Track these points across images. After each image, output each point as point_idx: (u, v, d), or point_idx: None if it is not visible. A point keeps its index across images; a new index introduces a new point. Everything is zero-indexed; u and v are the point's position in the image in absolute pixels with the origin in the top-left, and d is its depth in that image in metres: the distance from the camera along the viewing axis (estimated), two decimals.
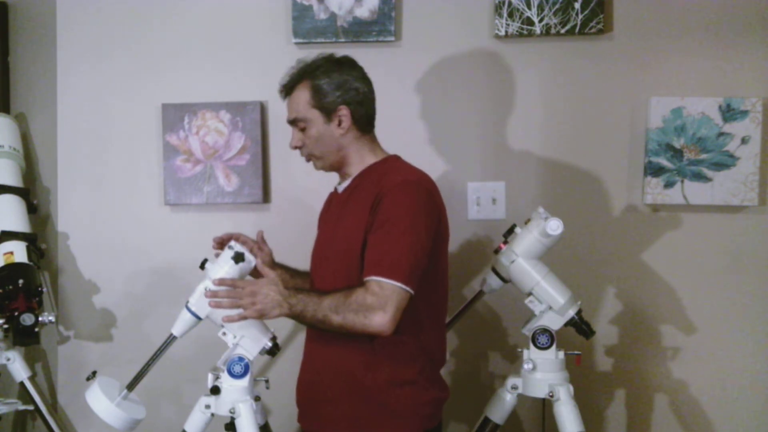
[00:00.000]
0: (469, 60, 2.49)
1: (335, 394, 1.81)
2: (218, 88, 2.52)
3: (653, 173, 2.42)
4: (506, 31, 2.43)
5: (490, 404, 2.16)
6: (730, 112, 2.39)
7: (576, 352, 2.08)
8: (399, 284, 1.67)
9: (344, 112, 1.82)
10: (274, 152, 2.53)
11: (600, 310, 2.46)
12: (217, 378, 1.85)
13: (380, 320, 1.66)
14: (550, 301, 2.06)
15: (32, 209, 2.42)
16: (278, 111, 2.51)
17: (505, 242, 2.11)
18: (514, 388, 2.10)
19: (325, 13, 2.46)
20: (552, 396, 2.00)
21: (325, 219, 2.00)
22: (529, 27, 2.42)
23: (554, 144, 2.48)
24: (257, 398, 1.87)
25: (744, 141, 2.40)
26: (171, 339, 1.85)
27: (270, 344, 1.86)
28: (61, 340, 2.59)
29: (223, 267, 1.82)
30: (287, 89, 1.88)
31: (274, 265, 2.01)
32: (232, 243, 1.85)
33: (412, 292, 1.70)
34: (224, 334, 1.84)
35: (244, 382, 1.84)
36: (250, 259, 1.84)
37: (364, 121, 1.86)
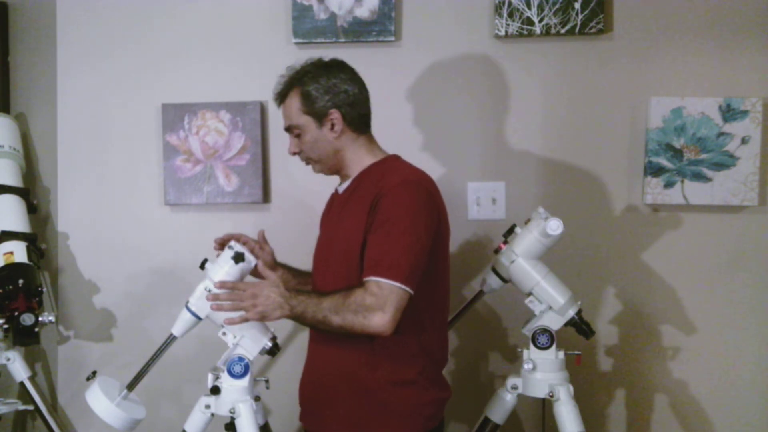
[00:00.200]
0: (469, 60, 2.49)
1: (337, 394, 1.81)
2: (218, 88, 2.52)
3: (653, 173, 2.42)
4: (506, 31, 2.43)
5: (490, 404, 2.16)
6: (730, 112, 2.39)
7: (576, 352, 2.08)
8: (398, 284, 1.67)
9: (335, 115, 1.82)
10: (274, 152, 2.53)
11: (600, 310, 2.46)
12: (217, 378, 1.85)
13: (379, 320, 1.66)
14: (550, 301, 2.06)
15: (32, 209, 2.42)
16: (278, 111, 2.48)
17: (505, 242, 2.11)
18: (514, 388, 2.10)
19: (325, 13, 2.46)
20: (552, 396, 2.00)
21: (326, 220, 2.00)
22: (529, 27, 2.42)
23: (554, 144, 2.48)
24: (257, 398, 1.87)
25: (744, 141, 2.40)
26: (171, 339, 1.85)
27: (270, 344, 1.86)
28: (61, 340, 2.59)
29: (223, 267, 1.82)
30: (280, 97, 1.89)
31: (275, 265, 2.02)
32: (232, 243, 1.85)
33: (411, 292, 1.70)
34: (224, 334, 1.84)
35: (244, 382, 1.84)
36: (250, 259, 1.84)
37: (358, 123, 1.86)
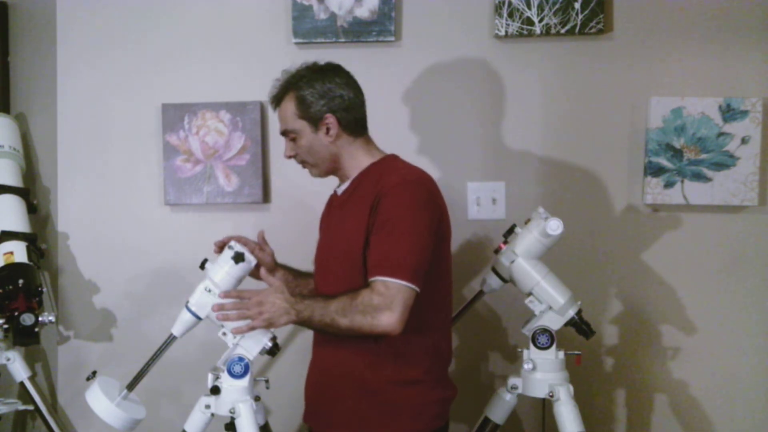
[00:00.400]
0: (469, 60, 2.48)
1: (342, 394, 1.81)
2: (218, 88, 2.52)
3: (653, 173, 2.42)
4: (506, 31, 2.43)
5: (490, 404, 2.16)
6: (730, 112, 2.39)
7: (576, 352, 2.08)
8: (404, 283, 1.67)
9: (330, 120, 1.82)
10: (274, 152, 2.53)
11: (600, 310, 2.46)
12: (217, 378, 1.85)
13: (388, 320, 1.66)
14: (550, 301, 2.06)
15: (32, 209, 2.42)
16: None
17: (505, 242, 2.11)
18: (514, 388, 2.10)
19: (325, 13, 2.46)
20: (552, 396, 2.00)
21: (326, 222, 2.00)
22: (529, 27, 2.42)
23: (554, 144, 2.48)
24: (257, 398, 1.87)
25: (744, 141, 2.40)
26: (171, 339, 1.85)
27: (270, 344, 1.86)
28: (61, 340, 2.59)
29: (223, 267, 1.82)
30: (275, 101, 1.90)
31: (276, 265, 2.02)
32: (232, 243, 1.85)
33: (417, 290, 1.70)
34: (224, 334, 1.83)
35: (244, 382, 1.84)
36: (250, 260, 1.84)
37: (354, 126, 1.86)
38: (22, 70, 2.59)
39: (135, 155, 2.56)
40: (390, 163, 1.89)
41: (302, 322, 1.72)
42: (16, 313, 2.14)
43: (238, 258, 1.81)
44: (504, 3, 2.42)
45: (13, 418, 2.58)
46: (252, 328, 1.73)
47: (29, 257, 2.25)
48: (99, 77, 2.56)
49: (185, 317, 1.83)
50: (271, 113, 2.49)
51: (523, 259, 2.07)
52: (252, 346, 1.84)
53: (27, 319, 2.14)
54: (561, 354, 2.05)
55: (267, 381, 1.94)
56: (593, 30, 2.41)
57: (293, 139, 1.88)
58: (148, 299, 2.55)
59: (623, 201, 2.48)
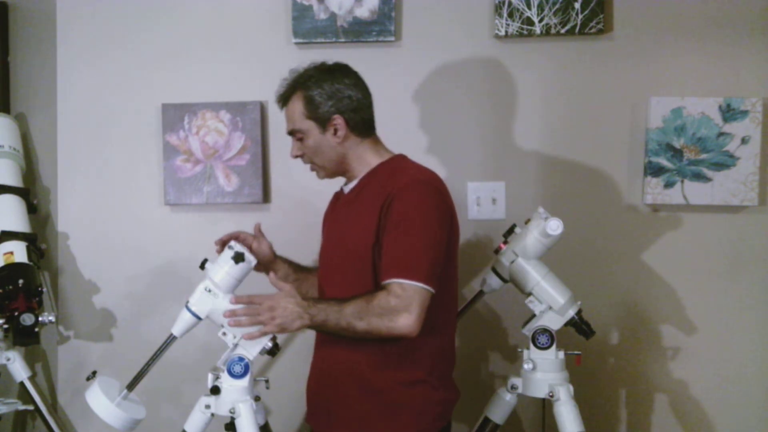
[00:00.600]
0: (469, 60, 2.48)
1: (346, 395, 1.80)
2: (218, 88, 2.52)
3: (653, 173, 2.42)
4: (506, 31, 2.43)
5: (490, 404, 2.16)
6: (730, 112, 2.39)
7: (576, 352, 2.08)
8: (421, 284, 1.67)
9: (338, 121, 1.81)
10: (274, 152, 2.53)
11: (600, 310, 2.45)
12: (217, 378, 1.85)
13: (405, 322, 1.66)
14: (550, 301, 2.06)
15: (32, 209, 2.42)
16: (278, 111, 2.48)
17: (505, 242, 2.11)
18: (514, 388, 2.10)
19: (325, 13, 2.46)
20: (552, 396, 1.99)
21: (331, 219, 1.99)
22: (529, 27, 2.42)
23: (554, 144, 2.48)
24: (257, 398, 1.87)
25: (744, 141, 2.40)
26: (171, 339, 1.85)
27: (270, 344, 1.85)
28: (61, 340, 2.59)
29: (223, 267, 1.82)
30: (282, 100, 1.89)
31: (276, 257, 2.01)
32: (232, 243, 1.85)
33: (433, 291, 1.70)
34: (224, 334, 1.83)
35: (244, 382, 1.84)
36: (251, 260, 1.84)
37: (362, 127, 1.86)
38: (22, 70, 2.58)
39: (135, 155, 2.56)
40: (399, 162, 1.88)
41: (316, 327, 1.71)
42: (16, 313, 2.14)
43: (238, 258, 1.81)
44: (504, 3, 2.42)
45: (13, 418, 2.59)
46: (264, 334, 1.72)
47: (29, 257, 2.25)
48: (99, 77, 2.56)
49: (185, 317, 1.83)
50: (271, 113, 2.51)
51: (523, 259, 2.07)
52: (252, 346, 1.84)
53: (27, 319, 2.14)
54: (561, 354, 2.05)
55: (267, 381, 1.94)
56: (593, 30, 2.41)
57: (300, 139, 1.87)
58: (148, 299, 2.55)
59: (623, 201, 2.48)
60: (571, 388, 2.01)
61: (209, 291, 1.81)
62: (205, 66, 2.53)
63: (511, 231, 2.11)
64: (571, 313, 2.07)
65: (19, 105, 2.59)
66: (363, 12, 2.45)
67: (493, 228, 2.44)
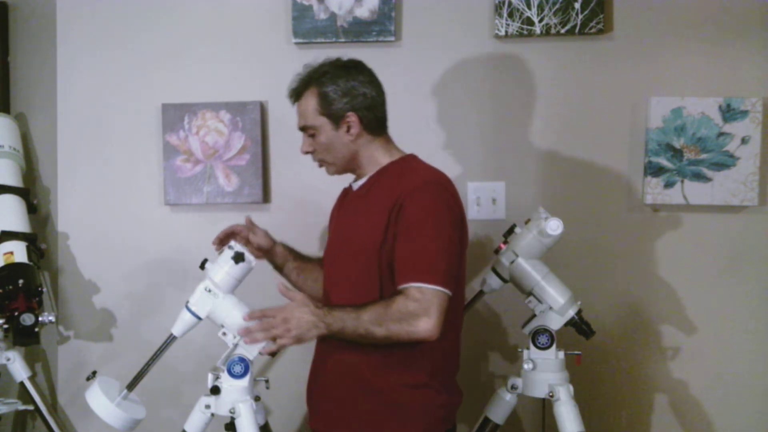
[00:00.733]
0: (469, 60, 2.48)
1: (348, 396, 1.79)
2: (218, 88, 2.52)
3: (653, 173, 2.42)
4: (506, 31, 2.43)
5: (490, 404, 2.16)
6: (730, 112, 2.39)
7: (576, 352, 2.08)
8: (439, 288, 1.67)
9: (352, 118, 1.80)
10: (274, 152, 2.53)
11: (600, 310, 2.45)
12: (217, 378, 1.85)
13: (426, 326, 1.65)
14: (550, 301, 2.06)
15: (32, 209, 2.42)
16: (278, 111, 2.51)
17: (505, 242, 2.11)
18: (514, 388, 2.10)
19: (325, 13, 2.46)
20: (552, 396, 2.00)
21: (338, 216, 1.97)
22: (529, 27, 2.42)
23: (554, 144, 2.48)
24: (257, 398, 1.87)
25: (744, 141, 2.40)
26: (171, 339, 1.85)
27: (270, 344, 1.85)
28: (61, 340, 2.59)
29: (223, 267, 1.82)
30: (295, 95, 1.86)
31: (274, 243, 2.00)
32: (232, 243, 1.85)
33: (450, 293, 1.69)
34: (224, 334, 1.83)
35: (244, 382, 1.83)
36: (251, 259, 1.84)
37: (375, 125, 1.84)
38: (22, 70, 2.59)
39: (135, 155, 2.56)
40: (409, 163, 1.87)
41: (333, 335, 1.69)
42: (16, 313, 2.14)
43: (238, 258, 1.81)
44: (504, 3, 2.42)
45: (13, 418, 2.59)
46: (282, 347, 1.70)
47: (29, 257, 2.25)
48: (99, 77, 2.56)
49: (185, 317, 1.83)
50: (272, 113, 2.51)
51: (523, 259, 2.07)
52: (252, 346, 1.84)
53: (27, 319, 2.14)
54: (561, 354, 2.06)
55: (267, 381, 1.94)
56: (593, 30, 2.41)
57: (312, 135, 1.84)
58: (148, 299, 2.55)
59: (623, 201, 2.48)
60: (571, 388, 2.01)
61: (209, 291, 1.81)
62: (205, 66, 2.53)
63: (511, 231, 2.11)
64: (571, 313, 2.07)
65: (19, 105, 2.59)
66: (363, 12, 2.45)
67: (493, 228, 2.44)
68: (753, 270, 2.46)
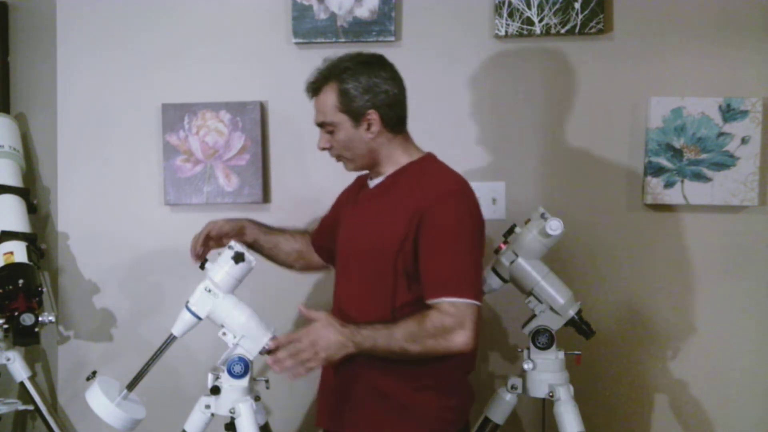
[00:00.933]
0: (469, 60, 2.48)
1: (357, 398, 1.78)
2: (218, 88, 2.52)
3: (653, 173, 2.42)
4: (506, 31, 2.43)
5: (490, 404, 2.16)
6: (730, 112, 2.39)
7: (576, 352, 2.08)
8: (471, 301, 1.67)
9: (373, 116, 1.75)
10: (274, 152, 2.53)
11: (600, 310, 2.45)
12: (217, 378, 1.85)
13: (462, 339, 1.66)
14: (550, 301, 2.06)
15: (32, 209, 2.42)
16: (278, 111, 2.51)
17: (505, 242, 2.11)
18: (514, 388, 2.10)
19: (325, 13, 2.46)
20: (552, 396, 2.00)
21: (352, 212, 1.91)
22: (529, 27, 2.42)
23: (554, 144, 2.48)
24: (257, 398, 1.88)
25: (744, 141, 2.40)
26: (171, 339, 1.85)
27: (270, 344, 1.85)
28: (61, 340, 2.59)
29: (223, 267, 1.82)
30: (313, 89, 1.81)
31: (241, 226, 1.98)
32: (233, 243, 1.85)
33: (480, 304, 1.70)
34: (224, 334, 1.83)
35: (244, 382, 1.84)
36: (250, 259, 1.84)
37: (395, 123, 1.80)
38: (22, 70, 2.59)
39: (135, 155, 2.56)
40: (429, 164, 1.84)
41: (364, 353, 1.67)
42: (16, 313, 2.14)
43: (238, 258, 1.81)
44: (504, 3, 2.42)
45: (13, 418, 2.59)
46: (310, 369, 1.66)
47: (29, 257, 2.25)
48: (99, 77, 2.56)
49: (185, 317, 1.83)
50: (272, 113, 2.51)
51: (523, 259, 2.07)
52: (252, 346, 1.84)
53: (27, 319, 2.14)
54: (561, 354, 2.06)
55: (267, 381, 1.94)
56: (593, 30, 2.41)
57: (330, 132, 1.80)
58: (148, 299, 2.55)
59: (623, 201, 2.48)
60: (571, 388, 2.01)
61: (209, 291, 1.81)
62: (205, 66, 2.53)
63: (511, 231, 2.11)
64: (571, 313, 2.07)
65: (19, 105, 2.59)
66: (363, 12, 2.45)
67: (493, 228, 2.43)
68: (753, 270, 2.46)
